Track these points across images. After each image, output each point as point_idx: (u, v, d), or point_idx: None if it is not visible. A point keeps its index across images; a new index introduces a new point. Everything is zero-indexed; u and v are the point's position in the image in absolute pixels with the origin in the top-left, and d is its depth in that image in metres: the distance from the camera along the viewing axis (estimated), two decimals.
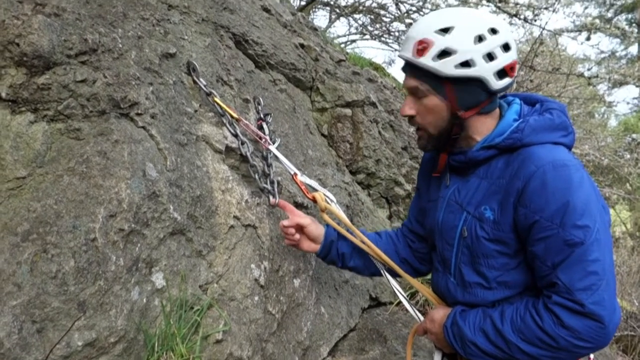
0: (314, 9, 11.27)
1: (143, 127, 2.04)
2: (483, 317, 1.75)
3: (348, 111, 3.68)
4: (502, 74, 1.69)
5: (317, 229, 2.24)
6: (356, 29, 11.27)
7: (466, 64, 1.66)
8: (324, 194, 2.37)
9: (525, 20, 6.54)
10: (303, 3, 9.61)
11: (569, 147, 1.74)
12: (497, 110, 1.84)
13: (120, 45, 2.10)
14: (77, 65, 1.93)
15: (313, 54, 3.78)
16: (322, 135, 3.62)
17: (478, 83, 1.69)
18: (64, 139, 1.86)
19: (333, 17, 10.91)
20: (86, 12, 2.06)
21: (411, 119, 1.87)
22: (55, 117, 1.87)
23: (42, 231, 1.65)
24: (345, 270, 2.45)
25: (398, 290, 2.29)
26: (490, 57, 1.66)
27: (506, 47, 1.69)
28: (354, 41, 11.65)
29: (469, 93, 1.73)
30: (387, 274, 2.29)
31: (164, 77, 2.25)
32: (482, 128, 1.80)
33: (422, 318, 2.17)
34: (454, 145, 1.87)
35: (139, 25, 2.27)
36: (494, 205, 1.73)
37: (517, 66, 1.79)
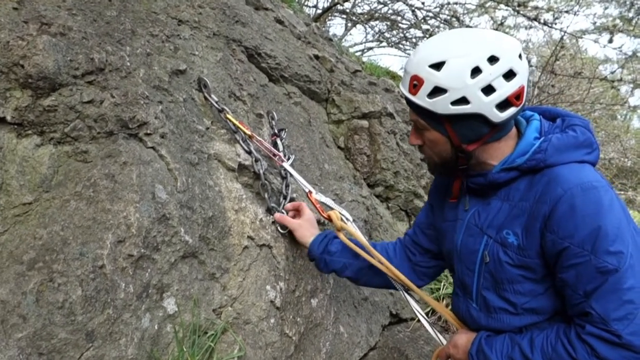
0: (330, 18, 11.25)
1: (152, 148, 1.98)
2: (511, 345, 1.64)
3: (365, 123, 3.60)
4: (505, 105, 1.55)
5: (303, 237, 2.26)
6: (373, 36, 11.22)
7: (461, 100, 1.55)
8: (340, 213, 2.29)
9: (545, 23, 6.38)
10: (319, 12, 9.57)
11: (594, 164, 1.63)
12: (514, 130, 1.73)
13: (128, 64, 2.05)
14: (83, 86, 1.88)
15: (328, 65, 3.71)
16: (339, 148, 3.54)
17: (477, 118, 1.58)
18: (71, 162, 1.81)
19: (349, 25, 10.87)
20: (93, 31, 2.02)
21: (420, 147, 1.82)
22: (62, 140, 1.82)
23: (49, 259, 1.60)
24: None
25: (419, 312, 2.20)
26: (488, 90, 1.52)
27: (509, 75, 1.53)
28: (370, 48, 11.62)
29: (468, 128, 1.63)
30: (407, 295, 2.20)
31: (174, 95, 2.20)
32: (496, 153, 1.70)
33: (444, 341, 2.08)
34: (466, 171, 1.79)
35: (147, 42, 2.23)
36: (517, 230, 1.63)
37: (530, 88, 1.66)
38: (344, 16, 10.98)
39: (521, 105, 1.59)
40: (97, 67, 1.93)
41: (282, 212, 2.33)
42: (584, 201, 1.47)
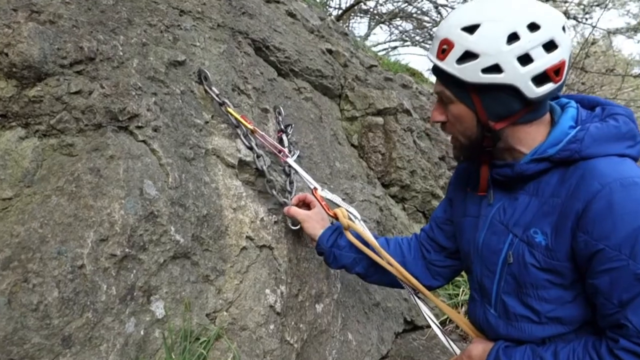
0: (352, 17, 11.11)
1: (143, 141, 1.87)
2: (532, 358, 1.48)
3: (380, 119, 3.44)
4: (542, 78, 1.39)
5: (312, 229, 2.11)
6: (396, 35, 11.05)
7: (494, 68, 1.38)
8: (347, 210, 2.14)
9: (575, 19, 6.11)
10: (341, 11, 9.45)
11: (636, 159, 1.44)
12: (548, 116, 1.55)
13: (121, 53, 1.95)
14: (71, 76, 1.78)
15: (342, 59, 3.56)
16: (352, 145, 3.39)
17: (509, 91, 1.41)
18: (56, 156, 1.71)
19: (372, 24, 10.71)
20: (85, 19, 1.92)
21: (443, 125, 1.64)
22: (47, 132, 1.72)
23: (24, 258, 1.49)
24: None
25: (430, 318, 2.04)
26: (525, 59, 1.36)
27: (550, 46, 1.37)
28: (395, 48, 11.44)
29: (498, 102, 1.46)
30: (417, 298, 2.05)
31: (171, 87, 2.09)
32: (527, 138, 1.52)
33: (458, 351, 1.92)
34: (494, 157, 1.62)
35: (144, 32, 2.12)
36: (547, 229, 1.45)
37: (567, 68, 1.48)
38: (367, 15, 10.84)
39: (560, 83, 1.42)
40: (87, 56, 1.83)
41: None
42: (623, 198, 1.29)
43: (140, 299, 1.68)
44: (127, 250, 1.65)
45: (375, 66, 3.88)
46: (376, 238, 2.10)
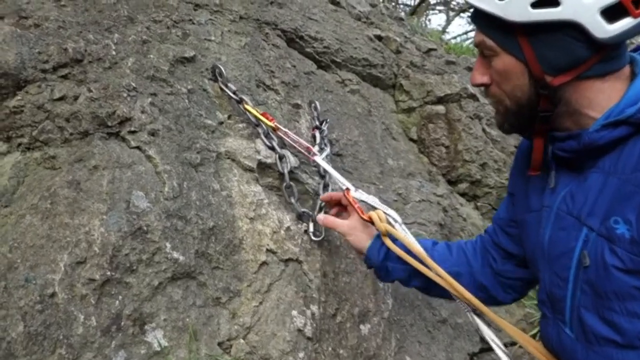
0: (431, 10, 10.70)
1: (137, 147, 1.65)
2: None
3: (441, 108, 3.03)
4: (615, 11, 1.00)
5: (358, 242, 1.70)
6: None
7: (548, 0, 1.02)
8: (386, 213, 1.78)
9: None
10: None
11: None
12: (628, 69, 1.15)
13: (114, 53, 1.76)
14: (55, 81, 1.61)
15: (393, 45, 3.20)
16: (411, 140, 3.01)
17: (570, 30, 1.04)
18: (39, 170, 1.54)
19: (451, 15, 10.25)
20: (77, 20, 1.76)
21: (487, 88, 1.27)
22: (30, 145, 1.56)
23: None
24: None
25: (491, 339, 1.62)
26: None
27: None
28: None
29: (556, 48, 1.08)
30: (474, 316, 1.64)
31: (175, 86, 1.87)
32: (599, 99, 1.12)
33: None
34: (553, 128, 1.21)
35: (146, 29, 1.92)
36: (630, 215, 1.04)
37: None
38: (446, 7, 10.39)
39: None
40: (72, 58, 1.66)
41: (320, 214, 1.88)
42: None
43: (130, 328, 1.45)
44: (109, 273, 1.42)
45: (435, 49, 3.47)
46: (435, 243, 1.73)
